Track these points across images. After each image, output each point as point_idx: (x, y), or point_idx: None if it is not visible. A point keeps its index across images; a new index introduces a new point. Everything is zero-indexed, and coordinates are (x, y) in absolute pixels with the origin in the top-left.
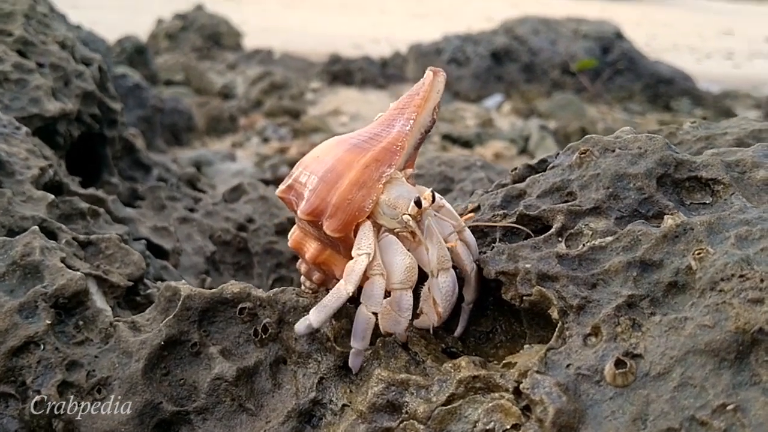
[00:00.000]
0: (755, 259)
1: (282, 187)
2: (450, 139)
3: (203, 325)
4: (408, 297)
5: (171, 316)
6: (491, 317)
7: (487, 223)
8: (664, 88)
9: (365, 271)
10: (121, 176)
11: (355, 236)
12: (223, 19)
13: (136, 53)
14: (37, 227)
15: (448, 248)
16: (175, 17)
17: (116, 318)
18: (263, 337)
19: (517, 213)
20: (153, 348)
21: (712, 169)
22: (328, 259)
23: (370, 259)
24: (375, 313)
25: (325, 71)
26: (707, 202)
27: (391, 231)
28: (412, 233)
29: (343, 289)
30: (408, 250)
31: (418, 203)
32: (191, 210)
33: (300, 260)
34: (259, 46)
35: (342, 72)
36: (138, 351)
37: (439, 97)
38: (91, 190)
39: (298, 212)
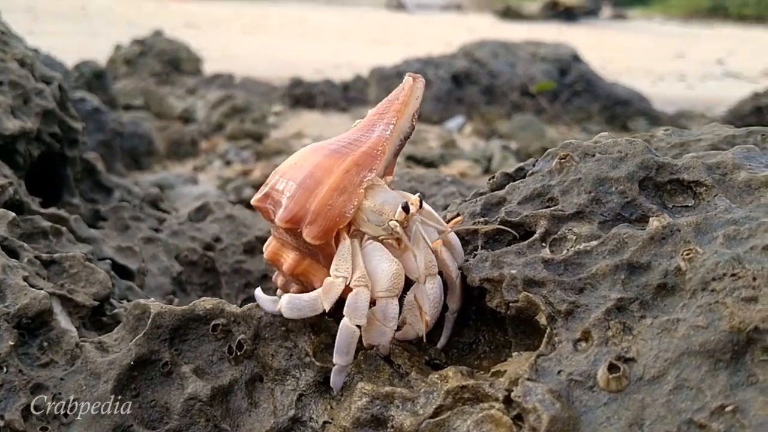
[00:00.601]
0: (746, 258)
1: (258, 195)
2: (414, 160)
3: (174, 344)
4: (394, 305)
5: (141, 335)
6: (474, 327)
7: (472, 227)
8: (621, 109)
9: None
10: (82, 197)
11: (336, 245)
12: (183, 44)
13: (94, 78)
14: None
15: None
16: (133, 43)
17: (82, 339)
18: (238, 354)
19: (499, 220)
20: (122, 368)
21: (693, 171)
22: (306, 269)
23: (348, 282)
24: (359, 326)
25: (287, 95)
26: (690, 204)
27: (375, 238)
28: (398, 240)
29: (320, 302)
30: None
31: (405, 209)
32: (156, 230)
33: (276, 273)
34: (220, 71)
35: (304, 95)
36: (106, 372)
37: (418, 103)
38: (52, 210)
39: (276, 220)
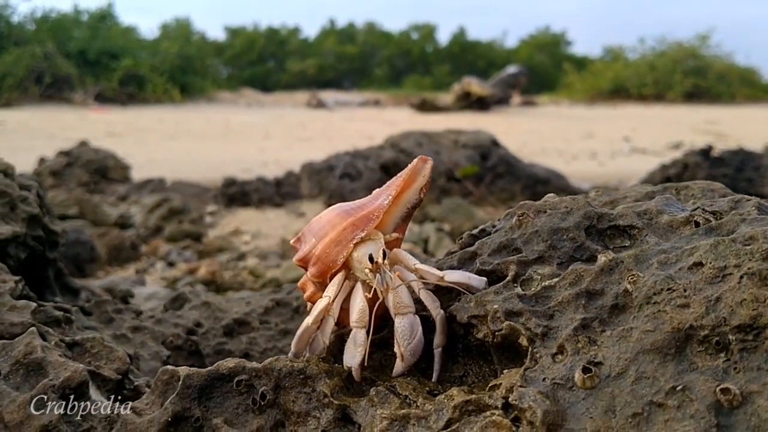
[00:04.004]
0: (676, 276)
1: (294, 238)
2: None
3: (202, 401)
4: (361, 334)
5: (174, 395)
6: (462, 363)
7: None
8: (541, 188)
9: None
10: (62, 297)
11: (330, 281)
12: (109, 153)
13: None
14: (34, 328)
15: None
16: (58, 154)
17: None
18: (261, 404)
19: (475, 269)
20: (161, 425)
21: (626, 218)
22: (315, 297)
23: (330, 302)
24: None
25: (221, 194)
26: (627, 244)
27: (363, 281)
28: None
29: (307, 322)
30: (380, 296)
31: (370, 260)
32: (139, 320)
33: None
34: (148, 176)
35: (238, 193)
36: (147, 429)
37: (425, 180)
38: (58, 302)
39: (294, 258)
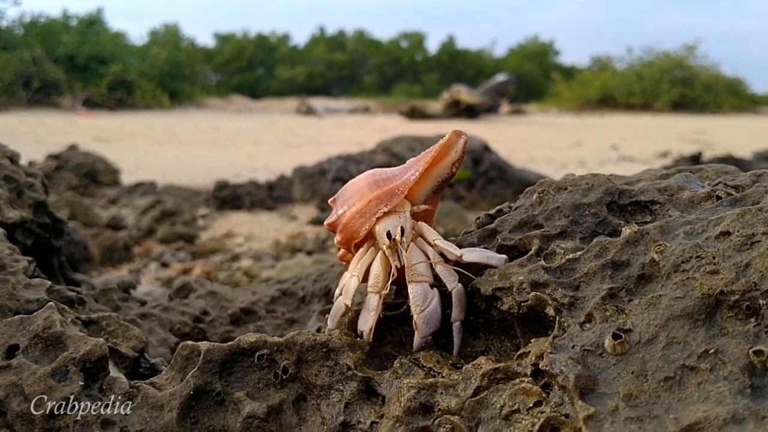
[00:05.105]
0: (704, 245)
1: (331, 199)
2: None
3: (223, 376)
4: (374, 299)
5: (195, 368)
6: (483, 338)
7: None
8: None
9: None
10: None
11: (355, 250)
12: (99, 157)
13: None
14: (52, 303)
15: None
16: (48, 158)
17: (134, 381)
18: (283, 378)
19: (496, 245)
20: (183, 398)
21: (648, 193)
22: (347, 257)
23: (359, 280)
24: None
25: (213, 197)
26: (648, 220)
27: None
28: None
29: (342, 302)
30: (394, 272)
31: (388, 236)
32: (145, 308)
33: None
34: (139, 180)
35: (230, 197)
36: (169, 402)
37: (457, 156)
38: (63, 286)
39: (325, 221)
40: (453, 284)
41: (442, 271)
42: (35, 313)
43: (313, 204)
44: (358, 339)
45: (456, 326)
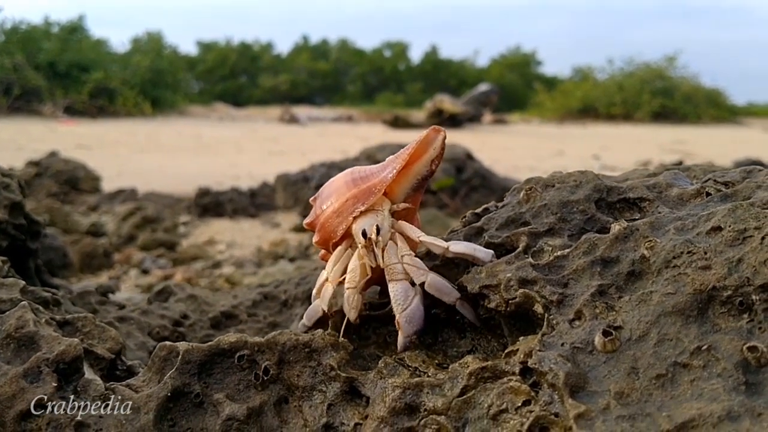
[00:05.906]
0: (695, 241)
1: (312, 197)
2: None
3: (202, 377)
4: (351, 294)
5: (173, 369)
6: (470, 337)
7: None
8: None
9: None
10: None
11: (333, 249)
12: (80, 164)
13: None
14: (26, 303)
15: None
16: (28, 164)
17: (109, 384)
18: (264, 379)
19: (483, 243)
20: (161, 399)
21: (637, 190)
22: (327, 257)
23: (332, 281)
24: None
25: (195, 204)
26: (637, 217)
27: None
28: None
29: (318, 306)
30: (369, 272)
31: (364, 235)
32: (124, 312)
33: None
34: (120, 187)
35: (212, 204)
36: (146, 404)
37: (436, 152)
38: (38, 287)
39: (304, 221)
40: (421, 278)
41: (409, 265)
42: (7, 312)
43: (296, 211)
44: (342, 339)
45: (459, 304)
